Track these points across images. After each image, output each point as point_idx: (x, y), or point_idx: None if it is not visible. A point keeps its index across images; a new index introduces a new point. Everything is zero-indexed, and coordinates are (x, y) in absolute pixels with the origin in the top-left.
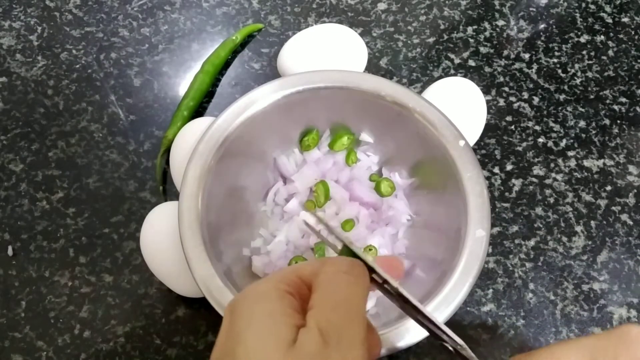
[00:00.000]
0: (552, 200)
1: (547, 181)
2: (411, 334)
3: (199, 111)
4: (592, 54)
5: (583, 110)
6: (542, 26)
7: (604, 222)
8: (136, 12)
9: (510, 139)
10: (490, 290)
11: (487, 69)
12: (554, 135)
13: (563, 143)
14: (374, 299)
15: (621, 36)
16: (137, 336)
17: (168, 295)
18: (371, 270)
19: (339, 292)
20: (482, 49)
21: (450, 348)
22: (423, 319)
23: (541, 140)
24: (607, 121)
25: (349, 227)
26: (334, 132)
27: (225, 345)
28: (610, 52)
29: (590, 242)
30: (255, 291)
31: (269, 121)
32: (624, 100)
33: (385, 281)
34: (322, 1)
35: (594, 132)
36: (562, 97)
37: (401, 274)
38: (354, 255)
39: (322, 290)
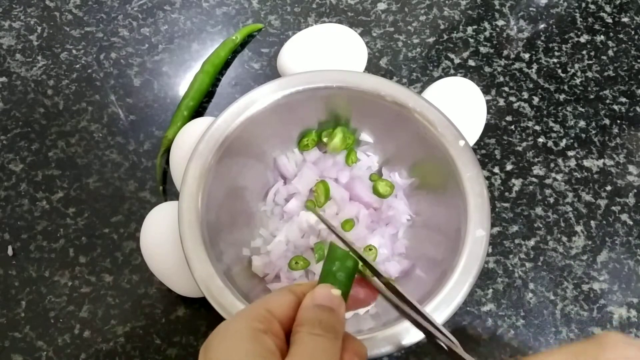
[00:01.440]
0: (552, 200)
1: (547, 181)
2: (411, 334)
3: (199, 111)
4: (592, 54)
5: (583, 110)
6: (542, 26)
7: (604, 222)
8: (136, 12)
9: (510, 139)
10: (490, 290)
11: (487, 69)
12: (554, 135)
13: (563, 143)
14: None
15: (621, 36)
16: (137, 336)
17: (168, 295)
18: (370, 269)
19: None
20: (482, 49)
21: (445, 346)
22: (417, 317)
23: (541, 140)
24: (607, 121)
25: (349, 227)
26: (333, 131)
27: None
28: (610, 52)
29: (590, 242)
30: (229, 330)
31: (269, 121)
32: (624, 100)
33: (386, 283)
34: (322, 1)
35: (594, 132)
36: (562, 97)
37: (375, 295)
38: (358, 256)
39: (298, 355)
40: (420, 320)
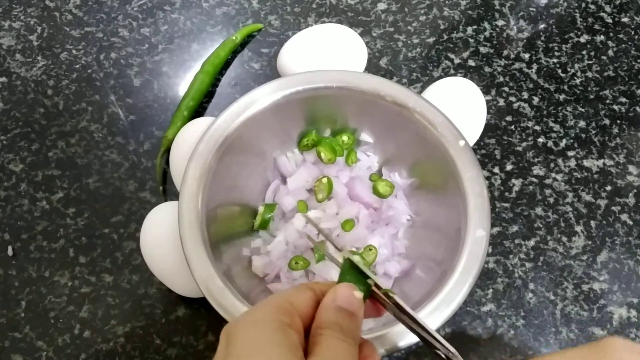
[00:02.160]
0: (552, 200)
1: (547, 181)
2: (411, 334)
3: (199, 111)
4: (592, 54)
5: (583, 110)
6: (542, 26)
7: (604, 222)
8: (136, 12)
9: (510, 139)
10: (490, 290)
11: (487, 69)
12: (554, 135)
13: (563, 143)
14: None
15: (621, 36)
16: (137, 336)
17: (168, 295)
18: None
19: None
20: (482, 49)
21: (443, 356)
22: (417, 327)
23: (541, 140)
24: (607, 121)
25: (349, 227)
26: (333, 132)
27: None
28: (610, 52)
29: (590, 242)
30: (254, 320)
31: (269, 121)
32: (624, 100)
33: (385, 294)
34: (322, 1)
35: (593, 132)
36: (562, 97)
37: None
38: (358, 270)
39: (321, 356)
40: (419, 330)
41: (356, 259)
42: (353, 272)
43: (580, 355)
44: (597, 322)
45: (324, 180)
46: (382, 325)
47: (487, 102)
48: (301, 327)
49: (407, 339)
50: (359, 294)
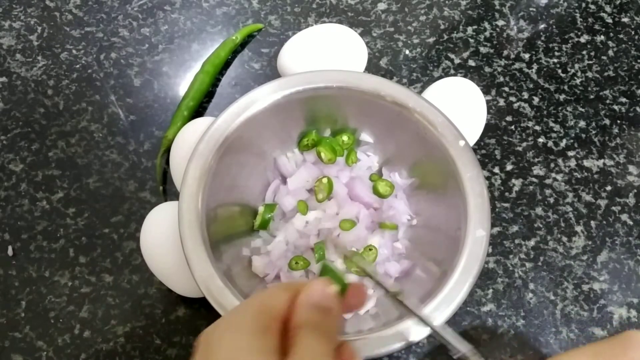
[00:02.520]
0: (552, 200)
1: (547, 181)
2: (411, 334)
3: (199, 111)
4: (592, 54)
5: (583, 110)
6: (542, 26)
7: (604, 222)
8: (136, 12)
9: (510, 139)
10: (490, 290)
11: (487, 69)
12: (554, 135)
13: (563, 143)
14: (374, 299)
15: (621, 36)
16: (137, 336)
17: (168, 295)
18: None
19: None
20: (482, 49)
21: (455, 357)
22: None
23: (541, 140)
24: (607, 121)
25: (349, 227)
26: (333, 132)
27: None
28: (610, 52)
29: (590, 242)
30: (233, 324)
31: (269, 121)
32: (624, 100)
33: (393, 296)
34: (322, 1)
35: (594, 132)
36: (562, 97)
37: (363, 300)
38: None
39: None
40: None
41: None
42: (331, 273)
43: (601, 350)
44: (597, 322)
45: (324, 180)
46: (382, 325)
47: (487, 102)
48: (279, 330)
49: (407, 339)
50: (333, 288)
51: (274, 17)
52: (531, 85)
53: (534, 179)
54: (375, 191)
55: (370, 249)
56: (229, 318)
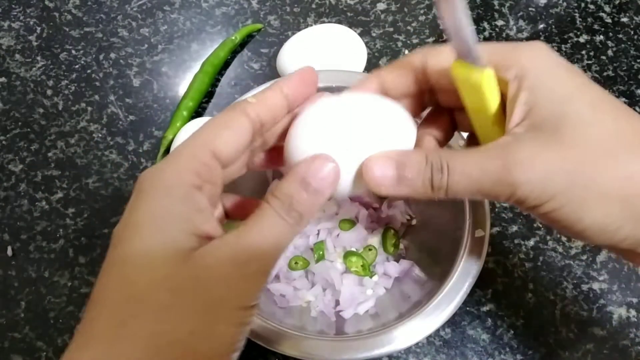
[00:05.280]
0: None
1: None
2: (411, 334)
3: (198, 111)
4: (592, 53)
5: None
6: (541, 26)
7: None
8: (135, 13)
9: None
10: (490, 290)
11: None
12: None
13: None
14: (373, 299)
15: (620, 36)
16: None
17: None
18: None
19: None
20: None
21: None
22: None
23: None
24: None
25: (348, 227)
26: None
27: (124, 228)
28: (610, 52)
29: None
30: (162, 180)
31: None
32: (623, 100)
33: None
34: (321, 1)
35: None
36: None
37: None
38: None
39: (252, 230)
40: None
41: None
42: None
43: (496, 50)
44: (597, 322)
45: None
46: (382, 326)
47: None
48: (219, 178)
49: (407, 339)
50: (335, 167)
51: (274, 17)
52: None
53: None
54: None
55: (370, 249)
56: (162, 171)
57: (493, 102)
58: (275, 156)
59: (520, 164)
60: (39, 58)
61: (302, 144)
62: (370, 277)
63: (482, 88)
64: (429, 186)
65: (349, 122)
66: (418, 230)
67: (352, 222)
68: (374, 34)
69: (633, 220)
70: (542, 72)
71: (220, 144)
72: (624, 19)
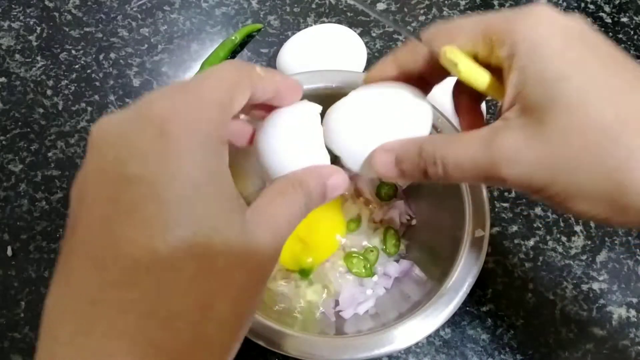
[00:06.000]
0: None
1: None
2: (411, 334)
3: None
4: None
5: None
6: None
7: None
8: (135, 13)
9: None
10: (490, 290)
11: None
12: None
13: None
14: (373, 299)
15: (620, 36)
16: None
17: None
18: None
19: None
20: None
21: None
22: None
23: None
24: None
25: (354, 227)
26: None
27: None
28: None
29: (589, 242)
30: (183, 144)
31: None
32: None
33: None
34: (321, 1)
35: None
36: None
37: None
38: None
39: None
40: None
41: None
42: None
43: (492, 21)
44: (597, 322)
45: None
46: (382, 326)
47: (487, 102)
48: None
49: (406, 339)
50: (346, 181)
51: (273, 17)
52: None
53: None
54: (378, 195)
55: (371, 250)
56: (190, 114)
57: (482, 81)
58: None
59: (506, 160)
60: (39, 58)
61: (344, 131)
62: (371, 277)
63: (463, 79)
64: (424, 177)
65: (368, 115)
66: (418, 230)
67: (357, 222)
68: (374, 34)
69: (621, 212)
70: (534, 47)
71: (235, 109)
72: (624, 19)
